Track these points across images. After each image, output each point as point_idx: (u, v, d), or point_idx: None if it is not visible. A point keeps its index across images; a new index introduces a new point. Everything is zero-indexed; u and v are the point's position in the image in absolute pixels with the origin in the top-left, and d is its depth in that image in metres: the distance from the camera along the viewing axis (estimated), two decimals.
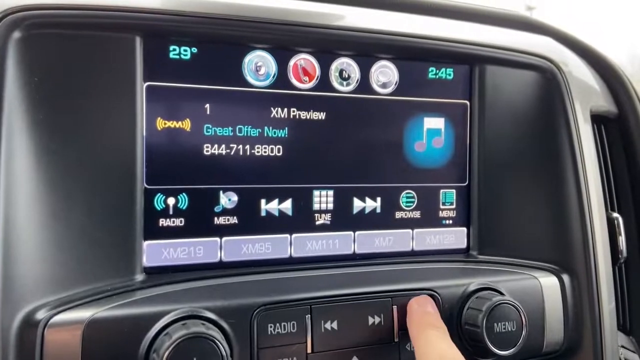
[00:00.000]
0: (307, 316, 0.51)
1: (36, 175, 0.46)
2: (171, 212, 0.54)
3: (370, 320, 0.53)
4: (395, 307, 0.54)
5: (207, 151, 0.55)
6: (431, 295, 0.56)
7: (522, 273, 0.61)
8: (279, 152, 0.58)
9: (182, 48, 0.54)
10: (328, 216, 0.60)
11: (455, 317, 0.56)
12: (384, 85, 0.63)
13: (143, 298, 0.49)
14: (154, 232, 0.53)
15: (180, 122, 0.54)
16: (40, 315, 0.45)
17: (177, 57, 0.54)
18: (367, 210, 0.62)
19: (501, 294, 0.57)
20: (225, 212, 0.56)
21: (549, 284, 0.61)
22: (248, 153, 0.57)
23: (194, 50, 0.54)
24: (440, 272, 0.61)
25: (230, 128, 0.56)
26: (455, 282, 0.58)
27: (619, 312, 0.68)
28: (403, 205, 0.64)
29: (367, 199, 0.62)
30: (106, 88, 0.50)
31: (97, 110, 0.49)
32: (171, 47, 0.54)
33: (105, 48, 0.50)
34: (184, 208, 0.55)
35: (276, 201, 0.58)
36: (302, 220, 0.59)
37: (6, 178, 0.44)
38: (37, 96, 0.47)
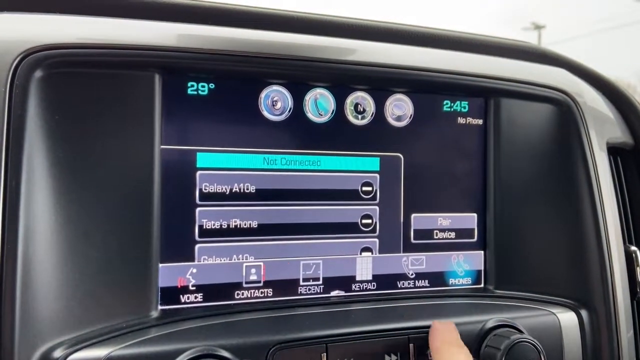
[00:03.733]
0: (323, 354, 0.51)
1: (55, 214, 0.46)
2: None
3: (387, 359, 0.52)
4: (412, 345, 0.53)
5: (225, 190, 0.56)
6: None
7: (539, 309, 0.60)
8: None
9: (200, 84, 0.54)
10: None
11: (473, 355, 0.55)
12: (398, 119, 0.63)
13: (158, 336, 0.49)
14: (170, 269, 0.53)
15: (198, 160, 0.54)
16: (57, 353, 0.45)
17: (195, 93, 0.54)
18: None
19: (519, 331, 0.56)
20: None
21: (567, 320, 0.60)
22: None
23: (212, 86, 0.55)
24: (457, 308, 0.60)
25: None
26: (472, 318, 0.57)
27: (638, 346, 0.67)
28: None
29: None
30: (125, 125, 0.50)
31: (116, 147, 0.50)
32: (189, 84, 0.54)
33: (125, 85, 0.50)
34: None
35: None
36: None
37: (26, 217, 0.44)
38: (58, 134, 0.47)
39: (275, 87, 0.57)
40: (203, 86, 0.55)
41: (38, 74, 0.47)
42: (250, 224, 0.56)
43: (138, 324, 0.50)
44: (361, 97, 0.61)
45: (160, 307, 0.53)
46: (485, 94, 0.66)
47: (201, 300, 0.55)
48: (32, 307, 0.44)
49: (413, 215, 0.63)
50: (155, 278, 0.52)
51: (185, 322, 0.51)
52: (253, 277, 0.57)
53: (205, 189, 0.55)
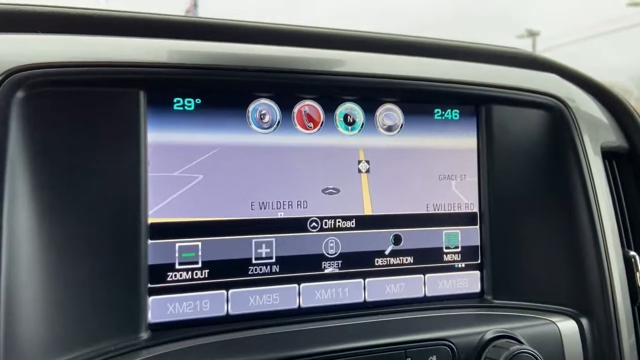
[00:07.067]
0: None
1: (38, 236, 0.45)
2: (177, 267, 0.53)
3: None
4: None
5: (214, 205, 0.55)
6: (446, 345, 0.54)
7: (539, 318, 0.59)
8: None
9: (186, 99, 0.54)
10: (337, 263, 0.59)
11: None
12: (389, 129, 0.62)
13: (149, 358, 0.47)
14: (159, 287, 0.52)
15: (186, 175, 0.54)
16: None
17: (181, 108, 0.54)
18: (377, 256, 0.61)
19: (519, 341, 0.55)
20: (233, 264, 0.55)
21: (567, 328, 0.59)
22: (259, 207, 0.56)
23: (198, 101, 0.54)
24: (454, 319, 0.59)
25: (237, 180, 0.55)
26: (470, 330, 0.56)
27: None
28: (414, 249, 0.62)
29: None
30: (110, 144, 0.49)
31: (101, 166, 0.49)
32: (175, 99, 0.53)
33: (109, 103, 0.50)
34: (189, 262, 0.54)
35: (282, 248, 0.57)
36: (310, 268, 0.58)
37: (9, 239, 0.43)
38: (41, 155, 0.46)
39: (263, 101, 0.57)
40: (189, 101, 0.54)
41: (20, 94, 0.46)
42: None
43: (127, 346, 0.48)
44: (351, 108, 0.60)
45: (150, 328, 0.51)
46: (477, 102, 0.65)
47: (193, 318, 0.53)
48: (16, 332, 0.43)
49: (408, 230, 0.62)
50: (144, 299, 0.51)
51: (176, 343, 0.50)
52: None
53: None
